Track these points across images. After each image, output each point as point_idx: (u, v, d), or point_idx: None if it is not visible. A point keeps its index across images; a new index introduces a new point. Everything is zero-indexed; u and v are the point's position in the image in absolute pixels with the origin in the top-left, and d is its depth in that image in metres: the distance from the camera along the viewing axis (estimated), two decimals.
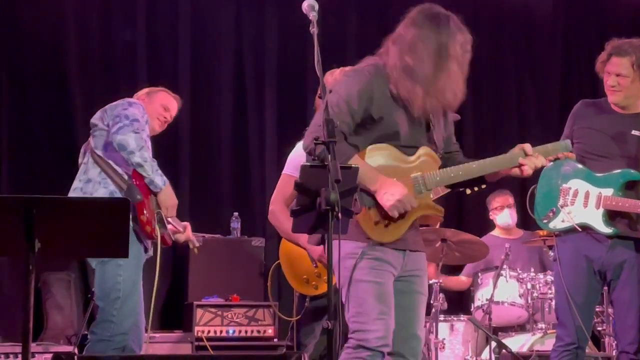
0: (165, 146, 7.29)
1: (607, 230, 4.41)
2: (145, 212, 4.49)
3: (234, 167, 7.54)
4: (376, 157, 3.46)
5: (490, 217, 6.93)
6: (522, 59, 8.26)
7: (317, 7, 3.42)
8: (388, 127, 3.47)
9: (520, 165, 3.59)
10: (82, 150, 4.76)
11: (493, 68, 8.21)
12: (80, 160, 4.72)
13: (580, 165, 4.51)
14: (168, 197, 4.59)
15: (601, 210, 4.42)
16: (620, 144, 4.48)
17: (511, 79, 8.24)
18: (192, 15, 7.50)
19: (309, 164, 3.14)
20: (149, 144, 4.65)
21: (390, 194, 3.38)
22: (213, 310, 6.45)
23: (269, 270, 5.49)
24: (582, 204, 4.46)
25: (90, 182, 4.53)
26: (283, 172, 4.57)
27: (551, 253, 6.19)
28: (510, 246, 6.09)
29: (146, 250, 4.65)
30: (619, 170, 4.45)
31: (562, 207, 4.48)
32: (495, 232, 6.90)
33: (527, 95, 8.17)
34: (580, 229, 4.43)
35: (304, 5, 3.46)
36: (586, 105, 4.63)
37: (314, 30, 3.37)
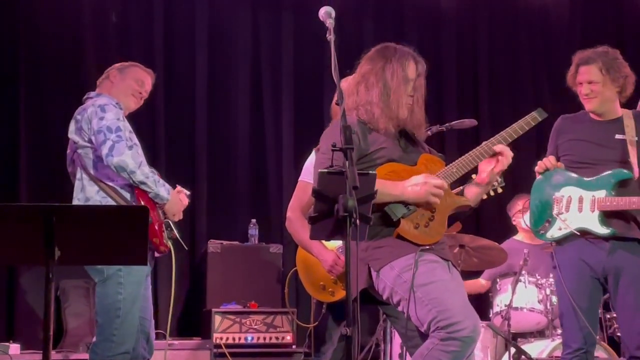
0: (183, 153, 7.37)
1: (604, 231, 4.44)
2: (153, 224, 4.38)
3: (251, 174, 7.56)
4: (383, 171, 3.57)
5: (514, 222, 6.91)
6: (539, 61, 8.27)
7: (333, 14, 3.46)
8: (384, 155, 3.61)
9: (497, 154, 3.65)
10: (68, 158, 4.58)
11: (510, 72, 8.22)
12: (69, 169, 4.58)
13: (570, 173, 4.57)
14: (174, 205, 4.50)
15: (597, 212, 4.46)
16: (606, 149, 4.53)
17: (528, 82, 8.25)
18: (209, 22, 7.54)
19: (326, 170, 3.15)
20: (134, 139, 4.49)
21: (413, 185, 3.52)
22: (231, 317, 6.46)
23: (286, 276, 5.49)
24: (577, 209, 4.50)
25: (90, 201, 4.39)
26: (300, 179, 4.57)
27: None
28: (530, 252, 6.06)
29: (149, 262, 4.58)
30: (609, 172, 4.49)
31: (557, 215, 4.53)
32: (518, 237, 6.88)
33: (544, 98, 8.16)
34: (579, 234, 4.46)
35: (321, 13, 3.50)
36: (566, 119, 4.72)
37: (330, 37, 3.41)
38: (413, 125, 3.72)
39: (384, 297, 3.57)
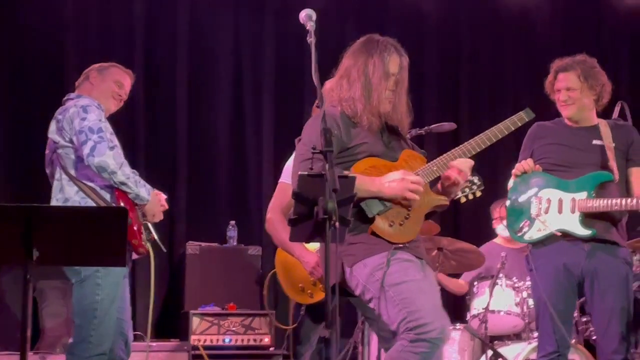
0: (162, 154, 7.35)
1: (585, 232, 4.45)
2: (132, 225, 4.34)
3: (231, 176, 7.54)
4: (362, 165, 3.60)
5: (493, 227, 6.95)
6: (521, 65, 8.30)
7: (314, 17, 3.47)
8: (366, 150, 3.62)
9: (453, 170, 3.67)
10: (47, 159, 4.54)
11: (491, 75, 8.26)
12: (48, 170, 4.54)
13: (548, 175, 4.58)
14: (154, 205, 4.47)
15: (577, 213, 4.47)
16: (584, 153, 4.56)
17: (509, 86, 8.29)
18: (190, 23, 7.51)
19: (306, 173, 3.16)
20: (115, 140, 4.44)
21: (390, 181, 3.53)
22: (209, 318, 6.45)
23: (265, 278, 5.50)
24: (557, 210, 4.51)
25: (69, 202, 4.34)
26: (280, 180, 4.57)
27: None
28: (507, 255, 6.09)
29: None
30: (590, 173, 4.51)
31: (536, 217, 4.54)
32: (497, 240, 6.92)
33: (524, 102, 8.16)
34: (559, 234, 4.48)
35: (302, 15, 3.51)
36: (541, 126, 4.74)
37: (311, 40, 3.41)
38: (396, 119, 3.73)
39: (357, 293, 3.59)
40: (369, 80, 3.64)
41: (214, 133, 7.52)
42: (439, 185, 3.74)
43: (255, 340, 6.48)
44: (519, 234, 4.61)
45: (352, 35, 7.78)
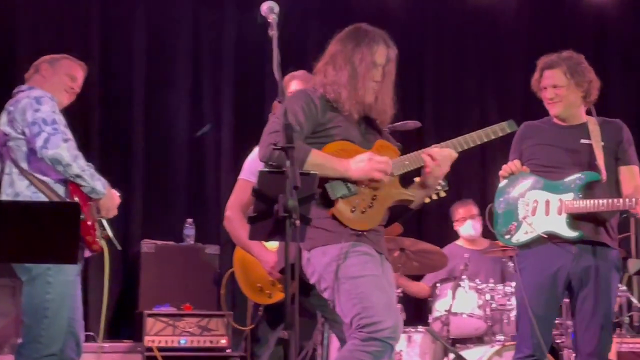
0: (118, 149, 7.28)
1: (572, 234, 4.47)
2: (86, 221, 4.30)
3: (188, 172, 7.50)
4: (334, 147, 3.63)
5: (455, 228, 6.98)
6: (486, 63, 8.36)
7: (277, 9, 3.46)
8: (340, 134, 3.65)
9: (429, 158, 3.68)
10: None
11: (456, 73, 8.30)
12: None
13: (536, 177, 4.60)
14: (109, 199, 4.41)
15: (564, 215, 4.49)
16: (572, 153, 4.58)
17: (474, 84, 8.33)
18: (147, 17, 7.45)
19: (267, 169, 3.16)
20: (69, 133, 4.38)
21: (358, 161, 3.56)
22: (164, 319, 6.42)
23: (222, 278, 5.48)
24: (544, 212, 4.54)
25: (20, 197, 4.26)
26: (239, 177, 4.56)
27: (510, 264, 6.26)
28: (471, 257, 6.13)
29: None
30: (576, 174, 4.53)
31: (523, 219, 4.56)
32: (460, 242, 6.96)
33: (489, 101, 8.26)
34: (546, 237, 4.49)
35: (263, 8, 3.49)
36: (529, 126, 4.76)
37: (273, 32, 3.40)
38: (378, 112, 3.76)
39: (312, 281, 3.62)
40: (355, 69, 3.67)
41: (171, 127, 7.47)
42: (418, 179, 3.75)
43: (211, 341, 6.46)
44: (507, 237, 4.62)
45: (315, 30, 7.88)
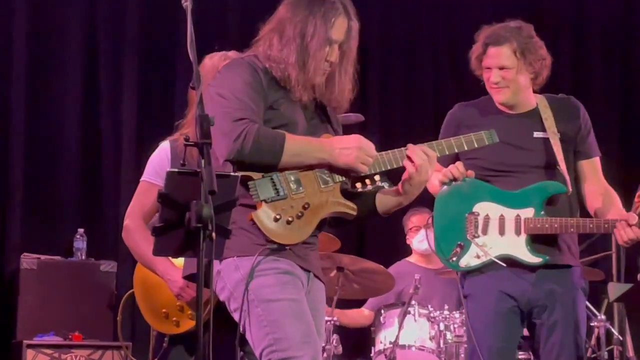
0: None
1: (535, 260, 4.44)
2: None
3: (80, 173, 7.48)
4: None
5: (407, 242, 7.02)
6: (440, 45, 8.47)
7: None
8: (282, 117, 3.62)
9: (409, 159, 3.64)
10: None
11: (405, 60, 8.37)
12: None
13: (484, 184, 4.52)
14: None
15: (524, 236, 4.45)
16: (524, 152, 4.52)
17: (428, 73, 8.42)
18: None
19: (176, 170, 3.12)
20: None
21: (344, 147, 3.57)
22: (48, 351, 6.40)
23: (120, 301, 5.44)
24: (497, 231, 4.49)
25: None
26: (142, 178, 4.52)
27: None
28: (422, 277, 6.13)
29: None
30: (537, 184, 4.48)
31: (471, 238, 4.48)
32: (412, 259, 6.99)
33: (446, 88, 8.34)
34: (503, 264, 4.43)
35: None
36: (466, 109, 4.66)
37: (187, 3, 3.36)
38: (330, 98, 3.74)
39: (221, 298, 3.60)
40: (305, 45, 3.62)
41: (59, 122, 7.45)
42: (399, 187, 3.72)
43: None
44: (453, 260, 4.51)
45: (235, 1, 7.86)
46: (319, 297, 3.71)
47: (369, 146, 3.61)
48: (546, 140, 4.51)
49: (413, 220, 6.96)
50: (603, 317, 6.29)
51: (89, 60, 7.56)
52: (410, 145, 3.66)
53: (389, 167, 3.66)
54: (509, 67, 4.48)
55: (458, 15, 8.49)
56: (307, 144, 3.57)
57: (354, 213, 3.69)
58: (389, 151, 3.67)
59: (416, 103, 8.31)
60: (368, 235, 7.92)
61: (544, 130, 4.53)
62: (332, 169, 3.60)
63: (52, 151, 7.42)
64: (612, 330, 6.39)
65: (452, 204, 4.55)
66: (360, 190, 3.71)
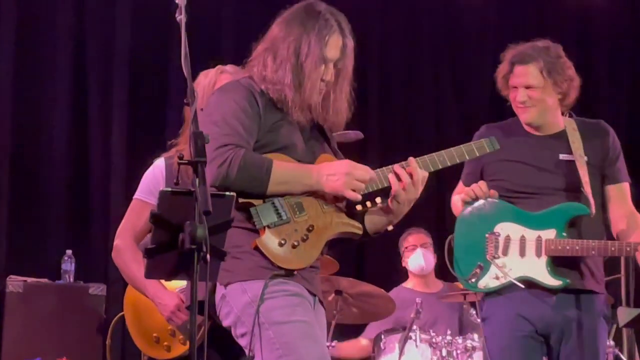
0: None
1: (555, 282, 4.44)
2: None
3: (68, 192, 7.49)
4: None
5: (403, 264, 7.02)
6: (442, 59, 8.49)
7: None
8: (281, 140, 3.64)
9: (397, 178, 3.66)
10: None
11: (405, 74, 8.39)
12: None
13: (507, 204, 4.55)
14: None
15: (544, 258, 4.46)
16: (549, 174, 4.55)
17: (429, 88, 8.44)
18: (18, 4, 7.42)
19: (169, 189, 3.11)
20: None
21: (331, 174, 3.57)
22: None
23: (110, 325, 5.46)
24: (518, 252, 4.51)
25: None
26: (135, 196, 4.51)
27: (472, 311, 6.32)
28: (424, 302, 6.13)
29: None
30: (559, 205, 4.50)
31: (491, 259, 4.51)
32: (409, 284, 6.98)
33: (447, 104, 8.36)
34: (522, 285, 4.44)
35: None
36: (493, 130, 4.64)
37: (180, 17, 3.38)
38: (326, 118, 3.75)
39: (225, 323, 3.60)
40: (300, 65, 3.65)
41: (47, 133, 7.46)
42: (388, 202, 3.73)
43: None
44: (472, 281, 4.54)
45: (230, 13, 7.88)
46: (322, 322, 3.72)
47: (360, 171, 3.61)
48: (572, 163, 4.53)
49: (409, 239, 6.96)
50: (612, 342, 6.28)
51: (78, 75, 7.57)
52: (409, 160, 3.67)
53: (385, 185, 3.67)
54: (535, 87, 4.53)
55: (459, 29, 8.51)
56: (295, 171, 3.57)
57: (360, 232, 3.72)
58: (384, 168, 3.68)
59: (417, 119, 8.31)
60: (367, 257, 7.91)
61: (570, 152, 4.55)
62: (323, 196, 3.62)
63: (39, 169, 7.42)
64: (621, 356, 6.39)
65: (474, 224, 4.58)
66: (360, 210, 3.73)
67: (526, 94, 4.54)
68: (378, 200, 3.72)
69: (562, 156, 4.57)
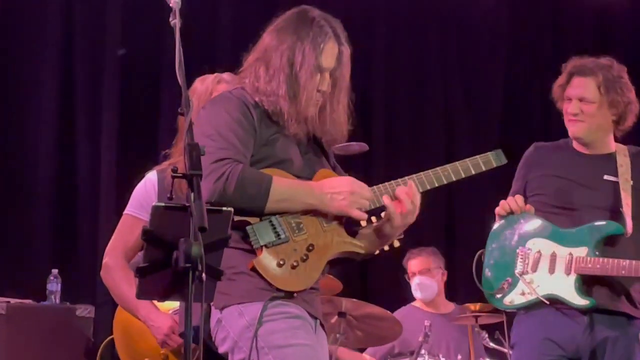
0: None
1: (582, 302, 4.46)
2: None
3: (54, 208, 7.50)
4: None
5: (408, 280, 7.02)
6: (451, 69, 8.49)
7: None
8: (277, 154, 3.64)
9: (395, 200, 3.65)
10: None
11: (412, 75, 8.38)
12: None
13: (542, 220, 4.58)
14: None
15: (573, 276, 4.48)
16: (590, 191, 4.59)
17: (438, 97, 8.44)
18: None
19: (162, 204, 3.10)
20: None
21: (336, 193, 3.58)
22: None
23: (99, 349, 5.44)
24: (547, 269, 4.53)
25: None
26: (125, 211, 4.51)
27: (485, 334, 6.30)
28: (432, 324, 6.14)
29: None
30: (594, 223, 4.53)
31: (520, 275, 4.54)
32: (418, 303, 6.98)
33: (457, 116, 8.35)
34: (547, 302, 4.47)
35: None
36: (542, 150, 4.76)
37: (175, 21, 3.36)
38: (324, 130, 3.75)
39: (222, 349, 3.58)
40: (295, 75, 3.64)
41: (31, 145, 7.46)
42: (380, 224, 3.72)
43: None
44: (498, 296, 4.58)
45: (228, 18, 7.89)
46: (324, 346, 3.71)
47: (363, 189, 3.62)
48: (615, 184, 4.57)
49: (409, 265, 6.98)
50: None
51: (65, 85, 7.59)
52: (409, 183, 3.66)
53: (379, 205, 3.66)
54: (589, 101, 4.58)
55: (467, 39, 8.53)
56: (296, 188, 3.57)
57: (363, 252, 3.71)
58: (380, 185, 3.68)
59: (424, 131, 8.31)
60: (371, 276, 7.90)
61: (615, 175, 4.59)
62: (325, 215, 3.61)
63: (22, 186, 7.43)
64: None
65: (506, 238, 4.63)
66: (363, 227, 3.74)
67: (579, 107, 4.59)
68: (374, 219, 3.75)
69: (606, 177, 4.62)
